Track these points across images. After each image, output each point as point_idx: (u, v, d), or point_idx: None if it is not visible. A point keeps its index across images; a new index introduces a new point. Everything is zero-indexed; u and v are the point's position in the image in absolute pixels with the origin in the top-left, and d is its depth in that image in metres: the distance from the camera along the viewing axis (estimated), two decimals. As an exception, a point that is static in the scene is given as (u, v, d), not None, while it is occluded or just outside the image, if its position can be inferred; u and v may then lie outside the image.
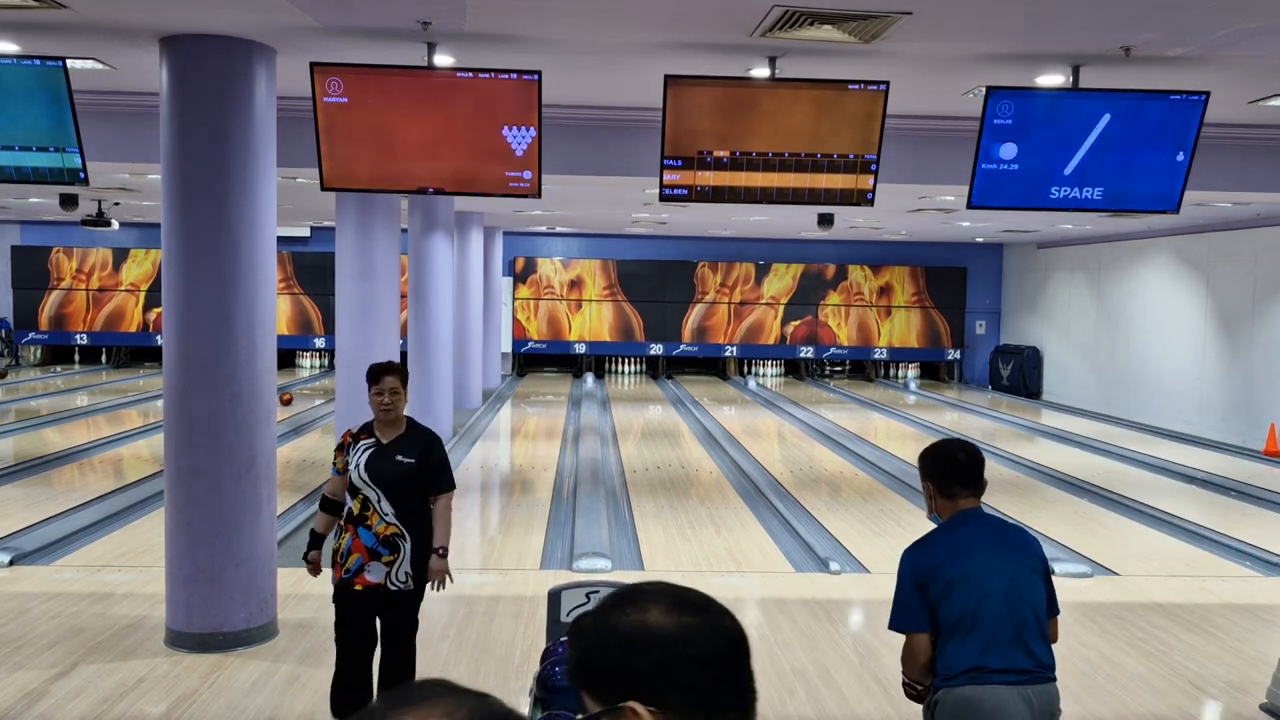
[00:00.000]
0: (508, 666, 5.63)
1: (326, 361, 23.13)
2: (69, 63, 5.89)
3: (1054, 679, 3.12)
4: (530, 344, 23.05)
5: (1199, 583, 7.63)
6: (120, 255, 22.62)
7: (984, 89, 6.03)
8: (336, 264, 10.21)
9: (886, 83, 5.93)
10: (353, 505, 4.57)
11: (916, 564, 3.15)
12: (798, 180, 6.10)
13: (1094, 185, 6.19)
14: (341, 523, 4.65)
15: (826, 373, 24.02)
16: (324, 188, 6.09)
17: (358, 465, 4.53)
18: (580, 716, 1.36)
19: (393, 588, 4.51)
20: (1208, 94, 5.97)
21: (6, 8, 5.20)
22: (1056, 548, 8.31)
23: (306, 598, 6.61)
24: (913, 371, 23.96)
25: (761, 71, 6.06)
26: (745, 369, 23.79)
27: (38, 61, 5.80)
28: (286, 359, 23.09)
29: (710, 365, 23.94)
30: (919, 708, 3.24)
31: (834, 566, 7.74)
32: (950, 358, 23.39)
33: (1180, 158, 6.14)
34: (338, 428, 10.07)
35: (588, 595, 3.75)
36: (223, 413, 5.80)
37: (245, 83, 5.78)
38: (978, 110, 6.12)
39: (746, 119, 5.96)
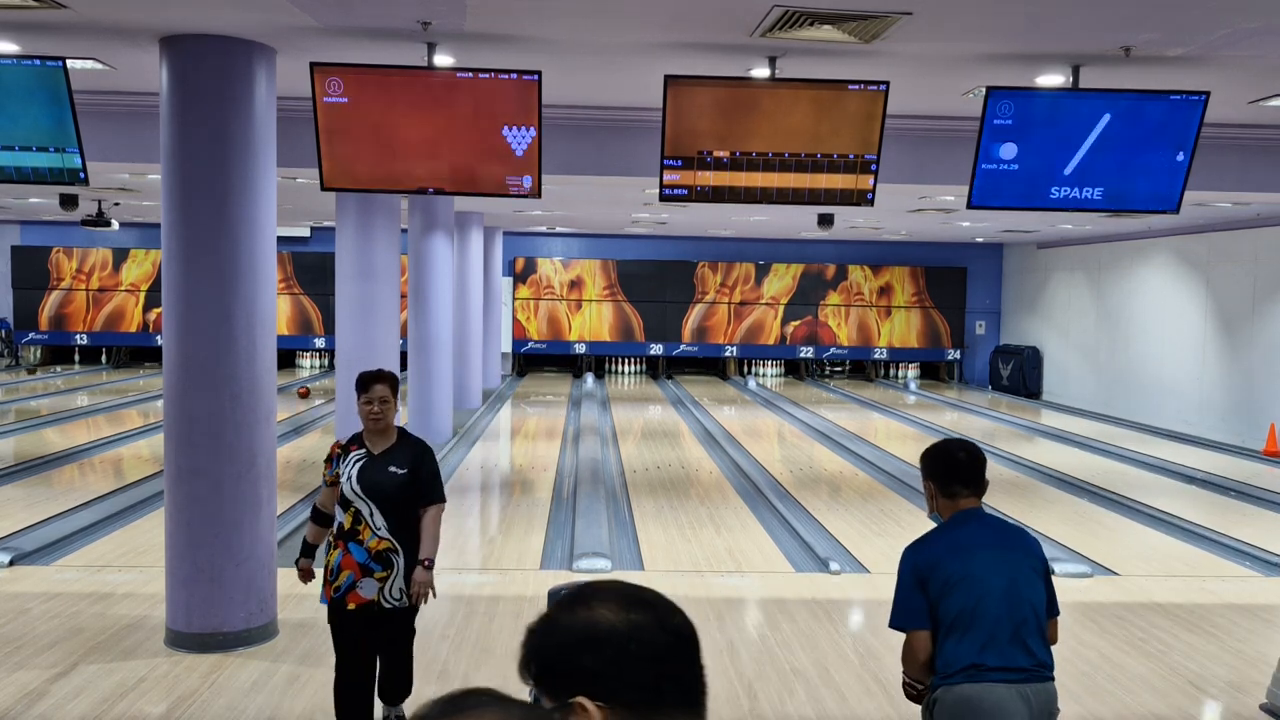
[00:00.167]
0: (508, 666, 5.63)
1: (326, 361, 23.14)
2: (69, 63, 5.89)
3: (1052, 678, 3.12)
4: (530, 344, 23.05)
5: (1199, 583, 7.63)
6: (120, 255, 22.62)
7: (984, 89, 6.03)
8: (336, 264, 10.22)
9: (886, 83, 5.93)
10: (344, 519, 4.41)
11: (916, 561, 3.15)
12: (798, 180, 6.10)
13: (1094, 185, 6.19)
14: (332, 538, 4.49)
15: (826, 373, 24.02)
16: (324, 188, 6.09)
17: (349, 477, 4.38)
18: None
19: (387, 605, 4.37)
20: (1208, 94, 5.98)
21: (6, 8, 5.20)
22: (1056, 548, 8.31)
23: (306, 598, 6.60)
24: (913, 371, 23.97)
25: (761, 71, 6.07)
26: (745, 369, 23.79)
27: (38, 61, 5.80)
28: (286, 359, 23.09)
29: (710, 365, 23.94)
30: (919, 708, 3.24)
31: (834, 566, 7.74)
32: (950, 358, 23.39)
33: (1180, 158, 6.14)
34: (338, 428, 10.07)
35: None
36: (223, 413, 5.80)
37: (245, 83, 5.78)
38: (978, 110, 6.12)
39: (746, 119, 5.96)
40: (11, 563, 7.38)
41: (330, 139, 5.86)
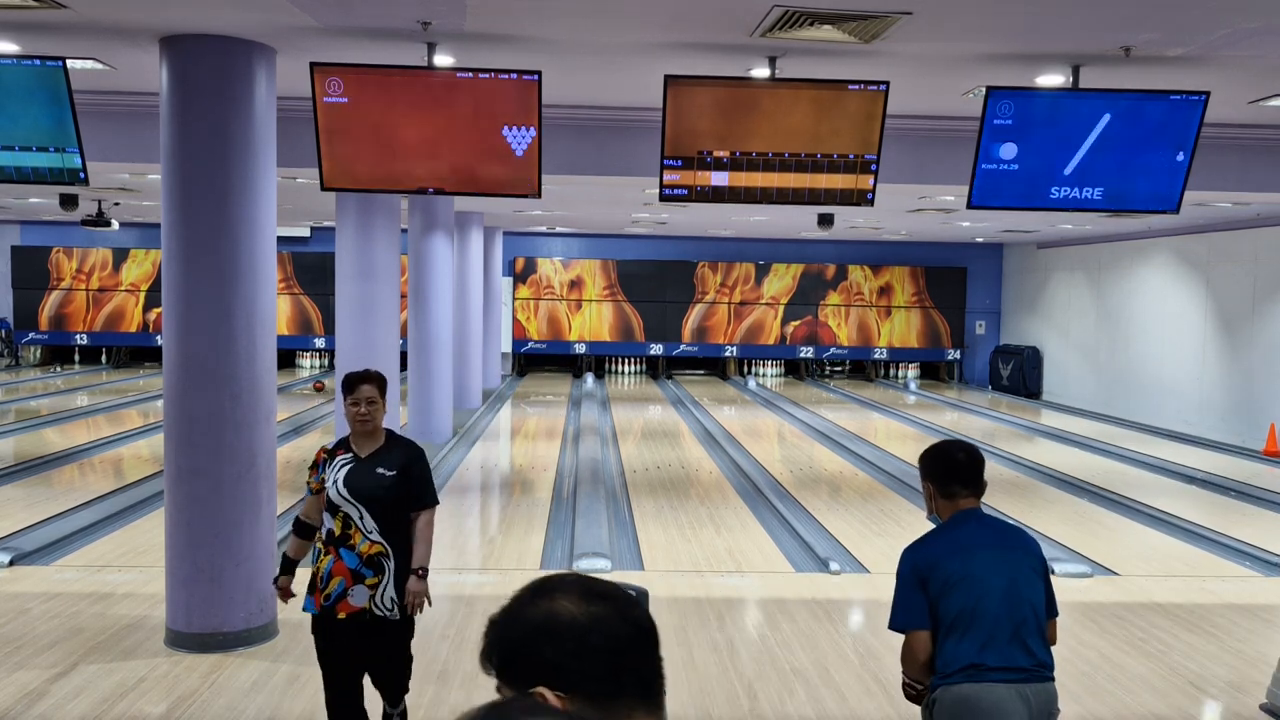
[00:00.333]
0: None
1: (326, 361, 23.13)
2: (69, 63, 5.89)
3: (1052, 678, 3.11)
4: (530, 344, 23.05)
5: (1199, 583, 7.63)
6: (120, 255, 22.62)
7: (984, 89, 6.03)
8: (336, 264, 10.21)
9: (886, 83, 5.93)
10: (333, 525, 4.21)
11: (916, 561, 3.15)
12: (798, 180, 6.10)
13: (1094, 185, 6.19)
14: (320, 545, 4.28)
15: (826, 373, 24.02)
16: (324, 188, 6.09)
17: (335, 481, 4.20)
18: (490, 702, 1.38)
19: (379, 613, 4.17)
20: (1208, 94, 5.98)
21: (6, 8, 5.20)
22: (1056, 548, 8.31)
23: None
24: (913, 371, 23.97)
25: (761, 71, 6.06)
26: (745, 369, 23.79)
27: (38, 61, 5.80)
28: (286, 359, 23.09)
29: (710, 365, 23.94)
30: (919, 708, 3.24)
31: (834, 566, 7.74)
32: (950, 358, 23.39)
33: (1180, 158, 6.14)
34: (338, 428, 10.07)
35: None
36: (223, 413, 5.80)
37: (245, 83, 5.78)
38: (978, 110, 6.12)
39: (746, 119, 5.96)
40: (11, 563, 7.38)
41: (330, 139, 5.86)
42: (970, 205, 6.23)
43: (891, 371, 24.01)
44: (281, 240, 20.43)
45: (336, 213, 10.18)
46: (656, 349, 23.10)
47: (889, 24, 5.20)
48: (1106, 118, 6.01)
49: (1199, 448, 14.27)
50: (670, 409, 17.73)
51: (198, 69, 5.70)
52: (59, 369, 22.61)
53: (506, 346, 22.67)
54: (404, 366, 13.18)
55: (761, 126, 5.98)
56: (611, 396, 19.32)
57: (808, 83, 5.95)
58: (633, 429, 15.24)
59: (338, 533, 4.20)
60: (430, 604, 4.36)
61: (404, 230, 13.44)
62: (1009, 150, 6.07)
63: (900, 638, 3.19)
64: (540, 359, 23.65)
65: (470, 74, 5.79)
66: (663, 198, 6.15)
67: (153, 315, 22.49)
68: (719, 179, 6.08)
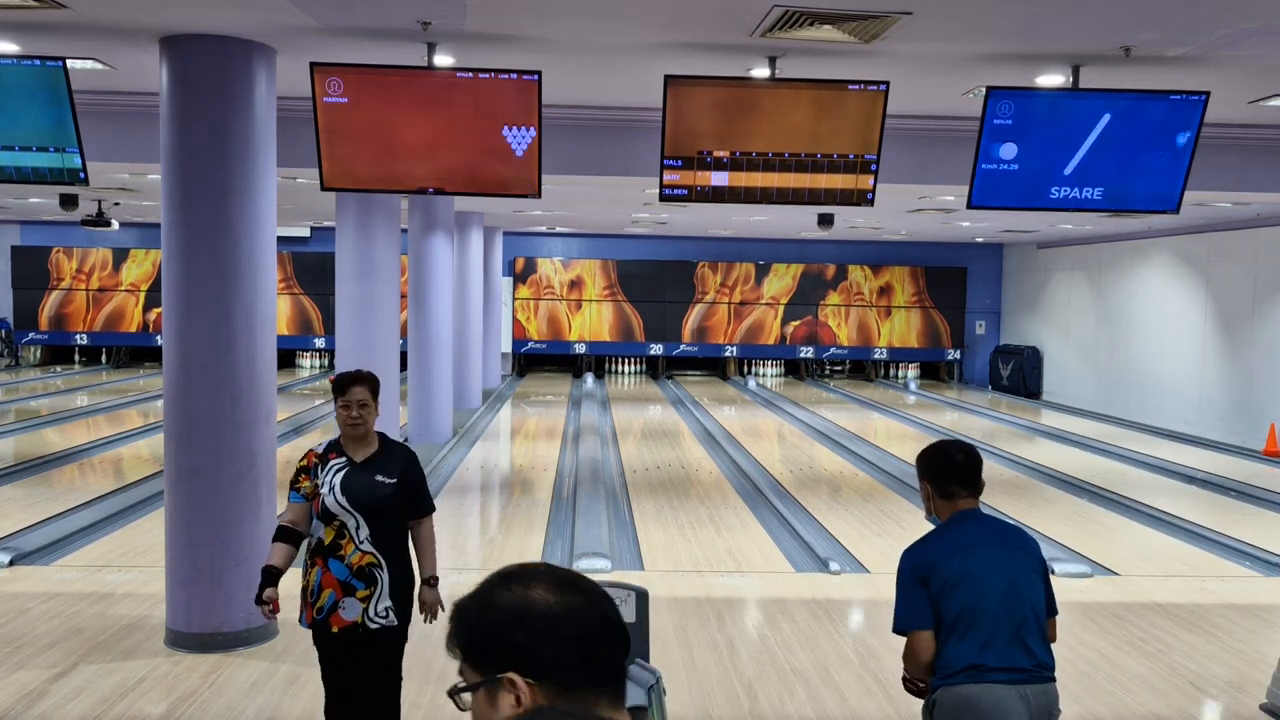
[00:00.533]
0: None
1: (326, 361, 23.14)
2: (69, 63, 5.89)
3: (1053, 679, 3.11)
4: (530, 344, 23.05)
5: (1199, 583, 7.63)
6: (120, 255, 22.62)
7: (984, 89, 6.03)
8: (336, 264, 10.22)
9: (886, 83, 5.93)
10: (324, 535, 3.97)
11: (916, 561, 3.14)
12: (798, 180, 6.10)
13: (1094, 185, 6.19)
14: (308, 556, 4.04)
15: (826, 373, 24.02)
16: (324, 188, 6.09)
17: (331, 489, 3.95)
18: (459, 685, 1.42)
19: (373, 625, 3.94)
20: (1208, 94, 5.98)
21: (6, 8, 5.20)
22: (1056, 548, 8.31)
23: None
24: (913, 371, 23.97)
25: (761, 71, 6.06)
26: (745, 369, 23.79)
27: (38, 61, 5.80)
28: (286, 359, 23.09)
29: (710, 365, 23.94)
30: (919, 708, 3.24)
31: (834, 566, 7.74)
32: (950, 358, 23.39)
33: (1180, 158, 6.14)
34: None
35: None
36: (223, 413, 5.80)
37: (245, 83, 5.78)
38: (978, 110, 6.12)
39: (746, 119, 5.96)
40: (11, 563, 7.38)
41: (330, 139, 5.86)
42: (970, 205, 6.23)
43: (891, 371, 24.01)
44: (281, 240, 20.43)
45: (336, 213, 10.18)
46: (656, 349, 23.10)
47: (889, 24, 5.20)
48: (1106, 118, 6.01)
49: (1199, 448, 14.27)
50: (670, 409, 17.73)
51: (198, 69, 5.70)
52: (59, 370, 22.60)
53: (506, 346, 22.67)
54: (404, 366, 13.18)
55: (761, 126, 5.98)
56: (611, 396, 19.32)
57: (808, 83, 5.95)
58: (633, 429, 15.24)
59: (327, 542, 3.97)
60: (445, 610, 4.19)
61: (404, 230, 13.44)
62: (1009, 150, 6.07)
63: (901, 639, 3.18)
64: (540, 359, 23.65)
65: (470, 74, 5.79)
66: (663, 198, 6.15)
67: (153, 315, 22.49)
68: (719, 179, 6.08)
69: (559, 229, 21.49)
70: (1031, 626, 3.08)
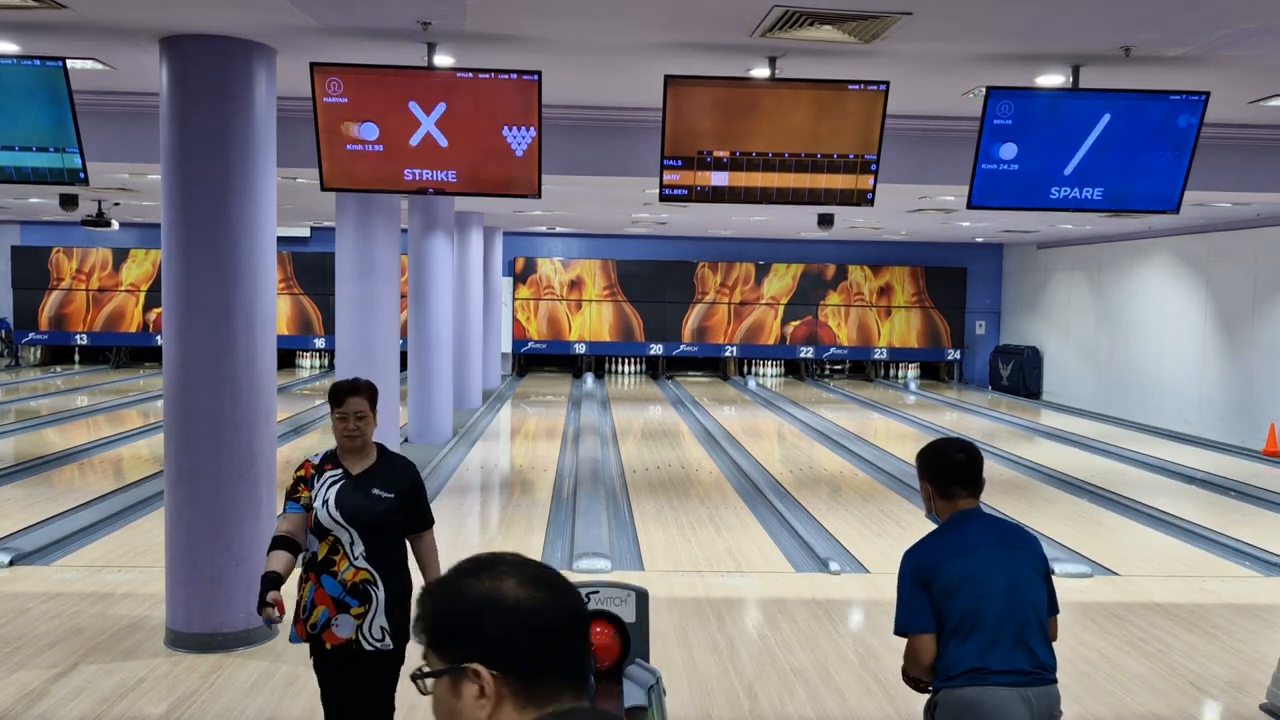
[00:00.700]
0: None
1: (326, 361, 23.13)
2: (69, 63, 5.89)
3: (1055, 680, 3.10)
4: (530, 344, 23.05)
5: (1199, 583, 7.63)
6: (120, 255, 22.62)
7: (984, 89, 6.03)
8: (336, 264, 10.22)
9: (886, 83, 5.93)
10: (318, 549, 3.82)
11: (917, 563, 3.13)
12: (798, 180, 6.10)
13: (1094, 185, 6.19)
14: (301, 570, 3.89)
15: (826, 373, 24.02)
16: (324, 188, 6.09)
17: (325, 502, 3.78)
18: (423, 671, 1.43)
19: (368, 647, 3.78)
20: (1208, 94, 5.98)
21: (6, 8, 5.20)
22: (1056, 548, 8.31)
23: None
24: (913, 371, 23.97)
25: (761, 71, 6.06)
26: (745, 369, 23.79)
27: (38, 61, 5.80)
28: (286, 359, 23.09)
29: (710, 365, 23.94)
30: (919, 709, 3.24)
31: (834, 566, 7.74)
32: (950, 358, 23.39)
33: (1180, 158, 6.14)
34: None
35: (587, 595, 3.71)
36: (223, 413, 5.80)
37: (245, 83, 5.78)
38: (978, 110, 6.12)
39: (746, 119, 5.96)
40: (11, 563, 7.38)
41: (330, 139, 5.86)
42: (970, 205, 6.23)
43: (891, 371, 24.01)
44: (281, 240, 20.44)
45: (336, 213, 10.18)
46: (656, 349, 23.10)
47: (889, 24, 5.20)
48: (1106, 118, 6.01)
49: (1199, 448, 14.27)
50: (670, 409, 17.73)
51: (198, 69, 5.70)
52: (59, 370, 22.61)
53: (506, 346, 22.67)
54: (404, 366, 13.18)
55: (761, 126, 5.98)
56: (611, 396, 19.32)
57: (808, 83, 5.95)
58: (633, 429, 15.24)
59: (320, 557, 3.81)
60: None
61: (404, 230, 13.44)
62: (1009, 150, 6.07)
63: (902, 639, 3.17)
64: (540, 359, 23.65)
65: (470, 74, 5.79)
66: (663, 198, 6.15)
67: (153, 315, 22.49)
68: (719, 179, 6.08)
69: (559, 229, 21.49)
70: (1033, 628, 3.07)
